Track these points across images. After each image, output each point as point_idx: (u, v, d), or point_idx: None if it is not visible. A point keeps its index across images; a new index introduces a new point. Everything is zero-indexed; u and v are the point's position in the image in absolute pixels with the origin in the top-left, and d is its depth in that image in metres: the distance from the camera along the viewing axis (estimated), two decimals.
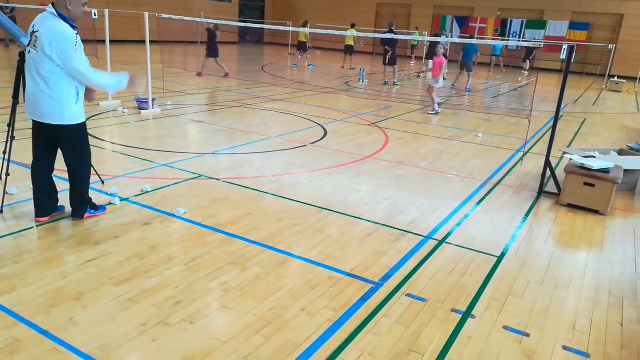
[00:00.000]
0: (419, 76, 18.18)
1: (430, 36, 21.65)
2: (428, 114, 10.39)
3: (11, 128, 4.29)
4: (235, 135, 7.40)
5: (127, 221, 4.15)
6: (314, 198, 5.00)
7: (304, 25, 18.42)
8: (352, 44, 18.78)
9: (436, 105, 10.48)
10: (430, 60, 18.31)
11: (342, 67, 18.97)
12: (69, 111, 3.74)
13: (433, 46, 17.37)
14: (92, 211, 4.16)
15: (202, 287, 3.23)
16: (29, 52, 3.68)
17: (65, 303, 2.95)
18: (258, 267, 3.54)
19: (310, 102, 10.89)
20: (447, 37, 24.17)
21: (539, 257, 4.06)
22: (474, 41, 9.35)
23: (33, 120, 3.83)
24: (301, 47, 19.26)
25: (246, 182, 5.32)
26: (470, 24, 27.41)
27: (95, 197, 4.43)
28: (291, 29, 9.55)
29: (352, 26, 19.42)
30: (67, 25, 3.63)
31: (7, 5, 13.44)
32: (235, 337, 2.75)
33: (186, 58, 16.51)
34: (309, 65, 19.06)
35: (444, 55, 10.60)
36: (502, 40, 25.05)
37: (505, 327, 3.03)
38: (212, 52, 13.32)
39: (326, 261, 3.70)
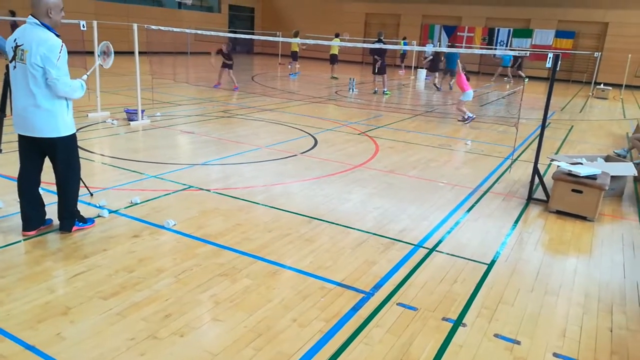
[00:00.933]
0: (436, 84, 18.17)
1: (418, 45, 21.80)
2: (464, 123, 10.57)
3: None
4: (225, 146, 7.39)
5: (115, 234, 4.12)
6: (305, 208, 4.99)
7: (295, 35, 18.65)
8: (337, 53, 18.93)
9: (468, 113, 10.70)
10: (422, 70, 18.67)
11: (332, 78, 19.04)
12: (63, 122, 3.74)
13: (436, 60, 17.59)
14: (80, 224, 4.12)
15: (192, 299, 3.21)
16: (14, 67, 3.64)
17: (53, 318, 2.91)
18: (248, 278, 3.53)
19: (301, 112, 10.92)
20: (433, 46, 24.37)
21: (528, 264, 4.09)
22: (475, 50, 9.50)
23: (20, 135, 3.79)
24: (293, 56, 19.52)
25: (236, 193, 5.31)
26: (458, 33, 27.70)
27: (84, 209, 4.39)
28: (280, 39, 9.60)
29: (337, 35, 19.61)
30: (53, 34, 3.62)
31: (13, 18, 13.35)
32: (225, 350, 2.73)
33: (175, 69, 16.50)
34: (290, 74, 19.22)
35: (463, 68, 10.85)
36: (489, 48, 25.33)
37: (496, 335, 3.03)
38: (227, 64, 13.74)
39: (317, 271, 3.69)
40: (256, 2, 33.71)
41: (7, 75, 4.02)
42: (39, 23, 3.61)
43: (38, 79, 3.58)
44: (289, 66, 20.40)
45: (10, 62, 3.66)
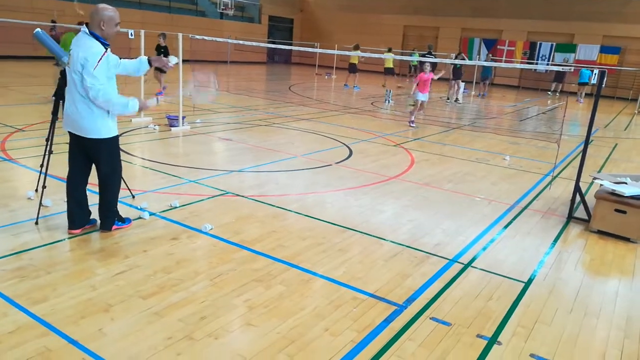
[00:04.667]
0: (457, 100, 17.94)
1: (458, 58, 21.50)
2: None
3: (49, 142, 4.47)
4: (261, 154, 7.51)
5: (155, 235, 4.25)
6: (338, 217, 5.02)
7: (356, 48, 18.75)
8: (391, 67, 19.32)
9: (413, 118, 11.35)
10: (457, 81, 18.59)
11: (383, 86, 19.21)
12: (104, 125, 3.92)
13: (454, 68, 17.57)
14: (119, 223, 4.28)
15: (227, 303, 3.27)
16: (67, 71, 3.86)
17: (95, 314, 3.02)
18: (282, 285, 3.57)
19: (336, 122, 10.98)
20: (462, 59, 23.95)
21: (567, 284, 3.98)
22: (517, 65, 9.46)
23: (71, 134, 3.98)
24: (351, 68, 19.47)
25: (271, 200, 5.38)
26: (498, 47, 27.30)
27: (126, 211, 4.55)
28: (318, 50, 9.72)
29: (389, 50, 19.82)
30: (98, 43, 3.78)
31: (53, 24, 14.03)
32: (258, 355, 2.77)
33: (217, 77, 16.89)
34: (349, 86, 19.43)
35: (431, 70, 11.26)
36: (530, 63, 24.84)
37: (532, 355, 2.96)
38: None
39: (350, 281, 3.70)
40: (296, 13, 34.21)
41: (60, 80, 4.25)
42: (88, 32, 3.80)
43: (78, 83, 3.76)
44: (326, 77, 20.56)
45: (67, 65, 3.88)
